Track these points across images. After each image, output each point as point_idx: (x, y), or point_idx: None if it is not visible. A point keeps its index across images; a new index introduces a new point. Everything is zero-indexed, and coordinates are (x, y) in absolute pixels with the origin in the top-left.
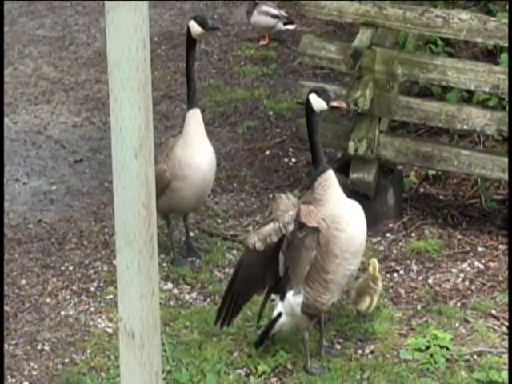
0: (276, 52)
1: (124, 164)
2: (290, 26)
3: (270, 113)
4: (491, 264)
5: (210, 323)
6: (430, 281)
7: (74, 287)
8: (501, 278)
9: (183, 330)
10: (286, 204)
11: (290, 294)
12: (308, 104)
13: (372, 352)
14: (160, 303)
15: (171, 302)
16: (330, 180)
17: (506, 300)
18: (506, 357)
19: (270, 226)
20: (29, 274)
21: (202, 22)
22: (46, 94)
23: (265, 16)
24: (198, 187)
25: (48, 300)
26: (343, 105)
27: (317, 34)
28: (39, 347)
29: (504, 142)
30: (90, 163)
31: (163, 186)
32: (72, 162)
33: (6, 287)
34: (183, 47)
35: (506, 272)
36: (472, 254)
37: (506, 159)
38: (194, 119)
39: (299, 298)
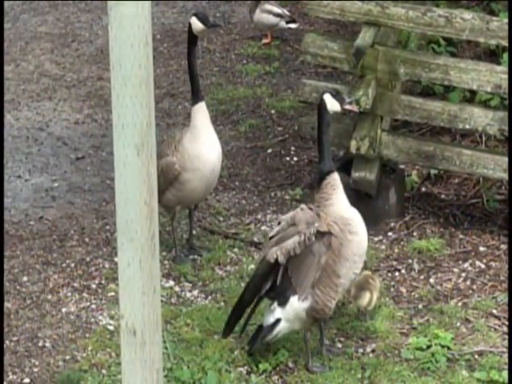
0: (278, 50)
1: (126, 161)
2: (292, 25)
3: (272, 111)
4: (492, 264)
5: (212, 321)
6: (432, 280)
7: (76, 284)
8: (502, 278)
9: (184, 327)
10: (312, 216)
11: (294, 300)
12: (322, 104)
13: (373, 351)
14: (161, 301)
15: (172, 300)
16: (338, 180)
17: (507, 300)
18: (506, 356)
19: (295, 240)
20: (30, 270)
21: (203, 19)
22: (48, 90)
23: (267, 14)
24: (207, 179)
25: (49, 297)
26: (355, 108)
27: (319, 33)
28: (40, 344)
29: (506, 142)
30: (91, 160)
31: (171, 179)
32: (74, 159)
33: (7, 284)
34: (185, 45)
35: (508, 272)
36: (473, 253)
37: (507, 159)
38: (201, 112)
39: (306, 304)
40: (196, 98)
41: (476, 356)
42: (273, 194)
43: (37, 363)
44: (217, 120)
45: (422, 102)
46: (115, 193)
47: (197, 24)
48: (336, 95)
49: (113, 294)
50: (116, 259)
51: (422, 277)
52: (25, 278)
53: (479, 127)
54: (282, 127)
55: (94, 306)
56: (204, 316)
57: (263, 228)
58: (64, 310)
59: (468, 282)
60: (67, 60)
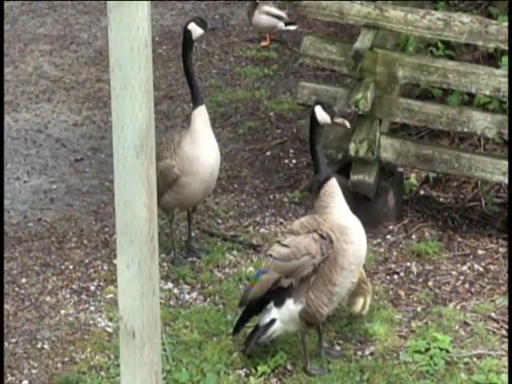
0: (277, 53)
1: (125, 163)
2: (291, 27)
3: (271, 114)
4: (491, 267)
5: (210, 323)
6: (430, 283)
7: (74, 286)
8: (501, 281)
9: (183, 329)
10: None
11: (289, 302)
12: (313, 116)
13: (372, 353)
14: (160, 303)
15: (171, 302)
16: (336, 187)
17: (506, 303)
18: (505, 359)
19: (309, 270)
20: (29, 272)
21: (201, 24)
22: (47, 92)
23: (266, 16)
24: (206, 181)
25: (48, 299)
26: (346, 123)
27: (318, 36)
28: (39, 346)
29: (504, 145)
30: (90, 162)
31: (170, 182)
32: (73, 160)
33: (6, 285)
34: None
35: (506, 275)
36: (472, 256)
37: (506, 162)
38: (201, 116)
39: (299, 306)
40: (196, 101)
41: (475, 359)
42: (271, 196)
43: (35, 365)
44: (215, 122)
45: (421, 105)
46: (114, 195)
47: (197, 30)
48: (327, 108)
49: (111, 295)
50: (115, 261)
51: (420, 280)
52: (23, 280)
53: (478, 130)
54: (281, 130)
55: (92, 308)
56: (203, 318)
57: (262, 230)
58: (63, 311)
59: (467, 285)
60: (66, 62)
